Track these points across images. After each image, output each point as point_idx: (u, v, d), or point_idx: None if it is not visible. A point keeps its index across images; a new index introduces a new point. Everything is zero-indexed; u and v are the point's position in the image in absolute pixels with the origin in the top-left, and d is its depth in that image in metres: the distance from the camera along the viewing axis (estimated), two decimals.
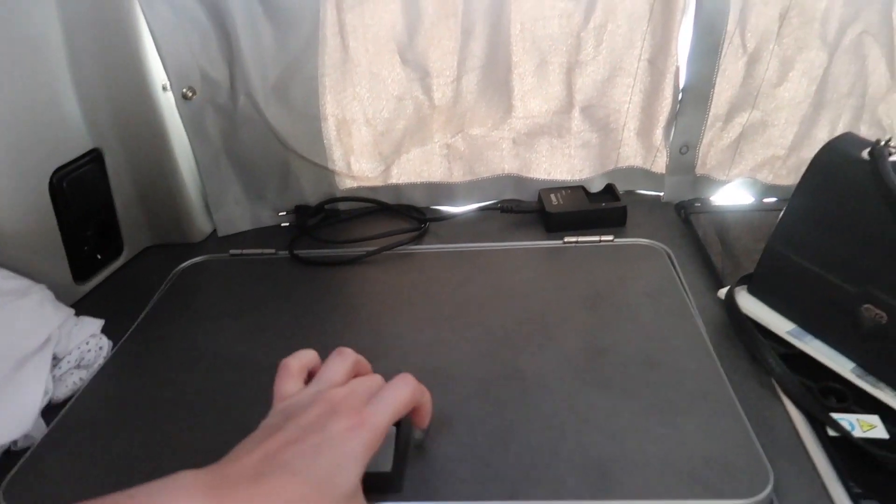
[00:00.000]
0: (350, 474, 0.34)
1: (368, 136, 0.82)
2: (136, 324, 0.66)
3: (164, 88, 0.74)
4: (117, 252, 0.79)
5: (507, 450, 0.46)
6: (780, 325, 0.57)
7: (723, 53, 0.73)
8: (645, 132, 0.82)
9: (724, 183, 0.83)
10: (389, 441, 0.43)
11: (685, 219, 0.79)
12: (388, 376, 0.42)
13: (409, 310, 0.65)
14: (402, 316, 0.64)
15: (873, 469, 0.43)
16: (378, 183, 0.86)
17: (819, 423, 0.47)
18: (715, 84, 0.75)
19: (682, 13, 0.72)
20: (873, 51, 0.72)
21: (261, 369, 0.45)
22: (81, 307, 0.67)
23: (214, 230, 0.86)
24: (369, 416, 0.37)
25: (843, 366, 0.51)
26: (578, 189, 0.83)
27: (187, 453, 0.48)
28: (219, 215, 0.84)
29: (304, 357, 0.44)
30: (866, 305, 0.49)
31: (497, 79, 0.78)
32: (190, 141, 0.77)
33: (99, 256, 0.76)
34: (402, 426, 0.45)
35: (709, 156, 0.82)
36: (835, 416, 0.47)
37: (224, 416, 0.52)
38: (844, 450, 0.45)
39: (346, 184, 0.86)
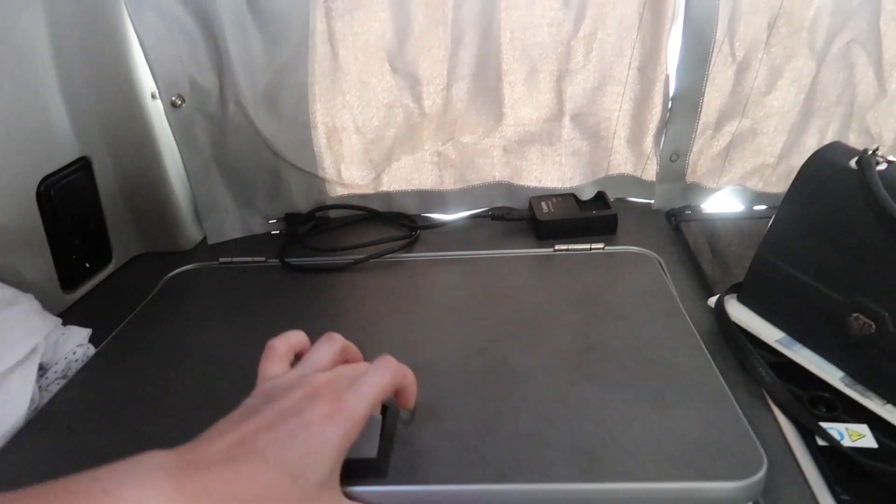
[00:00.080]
0: (324, 463, 0.34)
1: (359, 144, 0.81)
2: (120, 327, 0.65)
3: (153, 96, 0.73)
4: (106, 260, 0.78)
5: (495, 437, 0.45)
6: (770, 333, 0.57)
7: (712, 62, 0.73)
8: (635, 140, 0.83)
9: (714, 190, 0.84)
10: (375, 427, 0.42)
11: (676, 226, 0.79)
12: None
13: (399, 314, 0.64)
14: (392, 320, 0.64)
15: (862, 478, 0.43)
16: (369, 191, 0.86)
17: (808, 432, 0.47)
18: (704, 92, 0.76)
19: (671, 22, 0.72)
20: (861, 59, 0.73)
21: (246, 369, 0.44)
22: (69, 316, 0.66)
23: (204, 238, 0.85)
24: (348, 404, 0.36)
25: (831, 375, 0.52)
26: (569, 197, 0.83)
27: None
28: (208, 223, 0.84)
29: (292, 338, 0.43)
30: (855, 314, 0.49)
31: (487, 87, 0.78)
32: (179, 149, 0.77)
33: (87, 265, 0.75)
34: (389, 413, 0.44)
35: (699, 163, 0.82)
36: (824, 425, 0.47)
37: (206, 415, 0.51)
38: (833, 459, 0.45)
39: (337, 191, 0.86)
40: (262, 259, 0.78)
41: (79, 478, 0.30)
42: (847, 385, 0.50)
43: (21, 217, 0.64)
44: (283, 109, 0.77)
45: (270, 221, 0.86)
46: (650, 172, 0.85)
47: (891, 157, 0.51)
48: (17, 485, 0.29)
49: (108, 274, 0.79)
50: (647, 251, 0.74)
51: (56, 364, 0.59)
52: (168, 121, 0.74)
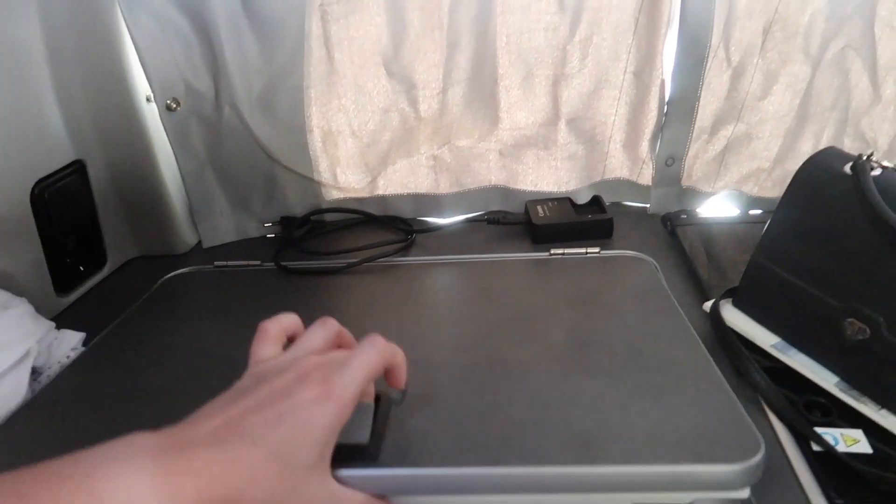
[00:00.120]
0: (313, 445, 0.33)
1: (354, 148, 0.81)
2: (112, 325, 0.65)
3: (148, 99, 0.73)
4: (100, 264, 0.78)
5: (488, 423, 0.45)
6: (765, 338, 0.57)
7: (707, 67, 0.74)
8: (631, 144, 0.83)
9: (709, 195, 0.84)
10: (367, 414, 0.42)
11: (671, 231, 0.79)
12: None
13: (394, 318, 0.64)
14: (387, 323, 0.63)
15: (857, 484, 0.43)
16: (364, 194, 0.86)
17: (803, 438, 0.47)
18: (700, 97, 0.76)
19: (667, 27, 0.72)
20: (856, 65, 0.73)
21: (238, 367, 0.43)
22: (63, 320, 0.66)
23: (199, 242, 0.85)
24: (337, 386, 0.35)
25: (826, 380, 0.52)
26: (565, 201, 0.83)
27: None
28: (204, 227, 0.83)
29: (284, 320, 0.42)
30: (849, 319, 0.49)
31: (483, 91, 0.78)
32: (174, 152, 0.76)
33: (81, 268, 0.75)
34: (381, 402, 0.44)
35: (694, 168, 0.82)
36: (819, 430, 0.47)
37: (195, 409, 0.51)
38: (828, 464, 0.45)
39: (333, 195, 0.86)
40: (258, 262, 0.78)
41: (61, 461, 0.29)
42: (842, 390, 0.50)
43: (15, 220, 0.64)
44: (279, 113, 0.77)
45: (266, 225, 0.86)
46: (646, 177, 0.85)
47: (885, 163, 0.51)
48: None
49: (102, 277, 0.78)
50: (643, 255, 0.73)
51: (49, 368, 0.58)
52: (163, 124, 0.74)
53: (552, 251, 0.75)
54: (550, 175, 0.84)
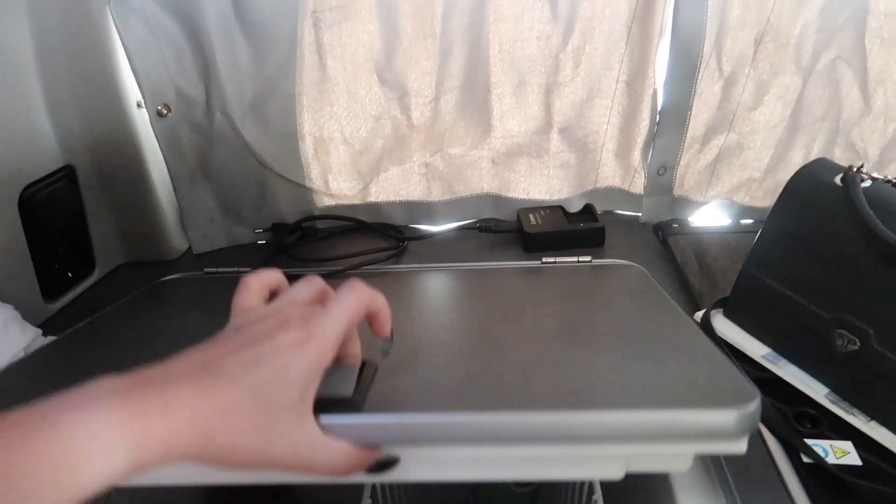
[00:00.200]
0: (291, 387, 0.32)
1: (346, 155, 0.81)
2: (83, 323, 0.63)
3: (139, 105, 0.73)
4: (89, 270, 0.77)
5: (479, 378, 0.43)
6: (756, 349, 0.57)
7: (699, 77, 0.74)
8: (623, 153, 0.83)
9: (701, 204, 0.84)
10: (352, 372, 0.40)
11: (663, 240, 0.79)
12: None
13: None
14: None
15: (847, 496, 0.43)
16: (356, 201, 0.86)
17: (793, 449, 0.47)
18: (692, 106, 0.76)
19: (659, 37, 0.72)
20: (846, 76, 0.74)
21: None
22: (50, 327, 0.65)
23: (189, 248, 0.85)
24: (317, 329, 0.34)
25: (817, 391, 0.52)
26: (557, 209, 0.83)
27: None
28: (194, 233, 0.83)
29: (267, 275, 0.41)
30: (839, 331, 0.50)
31: (476, 99, 0.78)
32: (165, 158, 0.76)
33: (70, 274, 0.74)
34: (367, 365, 0.42)
35: (686, 177, 0.82)
36: (809, 441, 0.47)
37: None
38: (818, 476, 0.45)
39: (324, 202, 0.86)
40: (248, 269, 0.77)
41: (21, 409, 0.27)
42: (832, 402, 0.50)
43: (2, 225, 0.64)
44: (271, 119, 0.77)
45: (257, 231, 0.86)
46: (638, 185, 0.85)
47: (875, 174, 0.51)
48: None
49: (90, 284, 0.78)
50: (635, 264, 0.73)
51: None
52: (154, 130, 0.73)
53: (544, 259, 0.75)
54: (542, 183, 0.84)
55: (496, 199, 0.86)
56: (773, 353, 0.56)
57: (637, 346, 0.47)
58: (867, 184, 0.51)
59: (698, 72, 0.73)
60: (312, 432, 0.34)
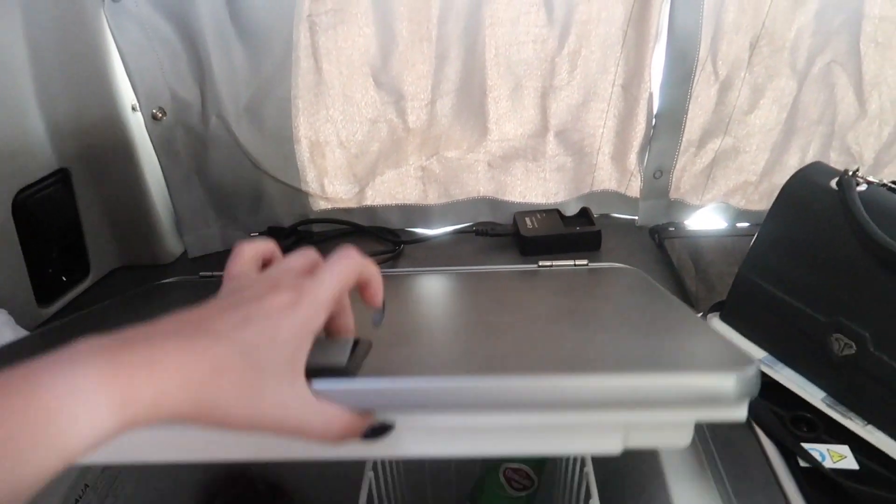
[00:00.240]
0: (281, 347, 0.31)
1: (342, 159, 0.81)
2: (66, 319, 0.61)
3: (134, 109, 0.72)
4: (83, 274, 0.77)
5: (474, 349, 0.43)
6: (752, 352, 0.57)
7: (695, 80, 0.74)
8: (619, 156, 0.83)
9: (697, 207, 0.84)
10: (346, 345, 0.40)
11: (659, 243, 0.79)
12: None
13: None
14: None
15: (844, 500, 0.43)
16: (352, 205, 0.86)
17: (790, 453, 0.47)
18: (688, 110, 0.76)
19: (655, 40, 0.72)
20: (841, 80, 0.74)
21: None
22: None
23: (185, 252, 0.84)
24: (308, 292, 0.33)
25: (813, 395, 0.51)
26: (553, 212, 0.83)
27: None
28: (189, 237, 0.83)
29: (261, 244, 0.40)
30: (836, 335, 0.49)
31: (472, 102, 0.78)
32: (160, 161, 0.76)
33: (64, 278, 0.74)
34: (361, 342, 0.41)
35: (682, 180, 0.82)
36: (806, 445, 0.47)
37: None
38: (815, 480, 0.45)
39: (320, 205, 0.86)
40: None
41: (1, 372, 0.26)
42: (829, 405, 0.50)
43: None
44: (266, 123, 0.76)
45: (252, 235, 0.85)
46: (634, 189, 0.85)
47: (871, 178, 0.51)
48: None
49: (85, 288, 0.77)
50: (632, 267, 0.73)
51: None
52: (149, 133, 0.73)
53: (540, 263, 0.75)
54: (539, 186, 0.84)
55: (492, 203, 0.86)
56: (770, 357, 0.56)
57: (636, 326, 0.47)
58: (863, 187, 0.51)
59: (694, 75, 0.73)
60: (304, 395, 0.33)
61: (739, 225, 0.83)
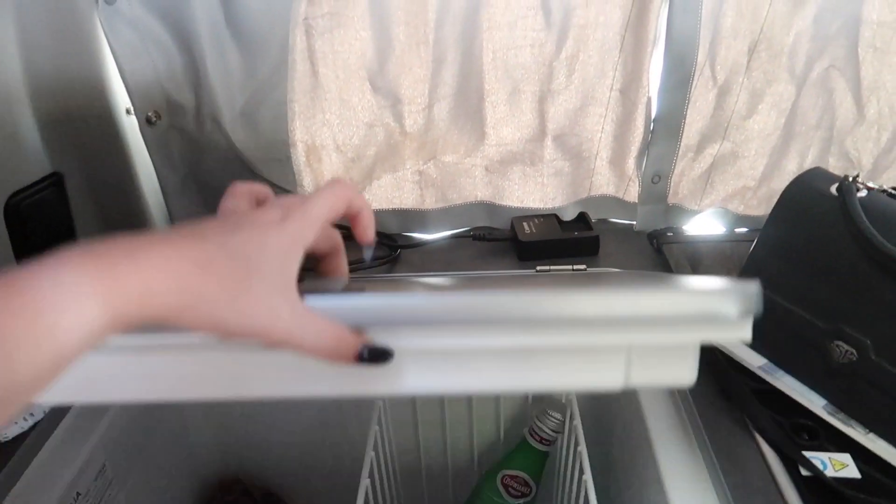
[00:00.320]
0: (272, 257, 0.31)
1: (339, 163, 0.80)
2: None
3: (128, 112, 0.72)
4: None
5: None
6: (752, 359, 0.56)
7: (693, 85, 0.73)
8: (617, 161, 0.82)
9: (695, 212, 0.84)
10: (340, 282, 0.40)
11: (658, 248, 0.79)
12: None
13: None
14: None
15: None
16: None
17: (791, 461, 0.47)
18: (686, 115, 0.76)
19: (653, 45, 0.72)
20: (840, 85, 0.74)
21: None
22: None
23: None
24: (298, 209, 0.34)
25: (814, 402, 0.51)
26: (551, 217, 0.83)
27: None
28: None
29: (256, 186, 0.40)
30: (836, 342, 0.49)
31: (469, 106, 0.77)
32: (154, 166, 0.75)
33: None
34: (356, 282, 0.41)
35: (680, 185, 0.82)
36: (807, 454, 0.47)
37: None
38: (817, 490, 0.44)
39: None
40: None
41: None
42: (830, 413, 0.50)
43: None
44: (262, 127, 0.76)
45: None
46: (632, 194, 0.84)
47: (871, 184, 0.51)
48: None
49: None
50: (631, 271, 0.73)
51: None
52: (143, 137, 0.73)
53: (538, 268, 0.74)
54: (536, 191, 0.84)
55: (490, 207, 0.85)
56: (770, 364, 0.55)
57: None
58: (863, 193, 0.50)
59: (692, 80, 0.73)
60: (295, 304, 0.32)
61: (738, 230, 0.83)
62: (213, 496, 0.81)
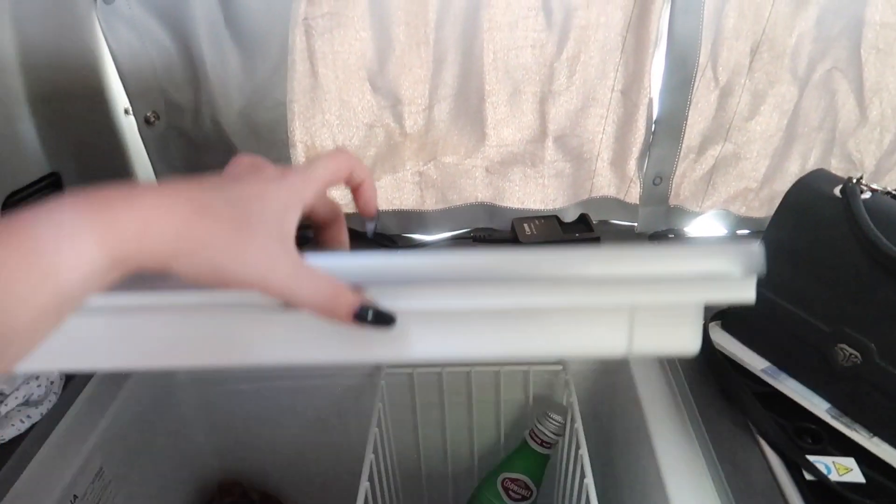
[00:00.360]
0: (270, 206, 0.31)
1: None
2: None
3: (127, 112, 0.71)
4: None
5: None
6: (755, 362, 0.56)
7: (695, 86, 0.73)
8: (618, 162, 0.82)
9: (697, 214, 0.83)
10: (343, 252, 0.39)
11: None
12: None
13: None
14: None
15: None
16: (348, 210, 0.85)
17: (795, 466, 0.46)
18: (688, 116, 0.75)
19: (655, 46, 0.72)
20: (842, 86, 0.73)
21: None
22: None
23: None
24: (296, 171, 0.33)
25: (818, 406, 0.51)
26: (552, 219, 0.83)
27: None
28: None
29: (259, 158, 0.38)
30: (840, 345, 0.49)
31: (470, 107, 0.77)
32: (153, 166, 0.75)
33: None
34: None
35: (682, 187, 0.82)
36: (811, 458, 0.46)
37: None
38: (821, 494, 0.44)
39: None
40: None
41: None
42: (833, 417, 0.50)
43: None
44: (261, 127, 0.75)
45: None
46: (633, 195, 0.84)
47: (874, 186, 0.51)
48: None
49: None
50: None
51: (17, 390, 0.56)
52: (142, 137, 0.72)
53: None
54: (537, 192, 0.83)
55: (490, 209, 0.85)
56: (773, 367, 0.55)
57: None
58: (867, 195, 0.50)
59: (694, 81, 0.73)
60: (294, 257, 0.31)
61: (739, 232, 0.83)
62: (211, 499, 0.81)
